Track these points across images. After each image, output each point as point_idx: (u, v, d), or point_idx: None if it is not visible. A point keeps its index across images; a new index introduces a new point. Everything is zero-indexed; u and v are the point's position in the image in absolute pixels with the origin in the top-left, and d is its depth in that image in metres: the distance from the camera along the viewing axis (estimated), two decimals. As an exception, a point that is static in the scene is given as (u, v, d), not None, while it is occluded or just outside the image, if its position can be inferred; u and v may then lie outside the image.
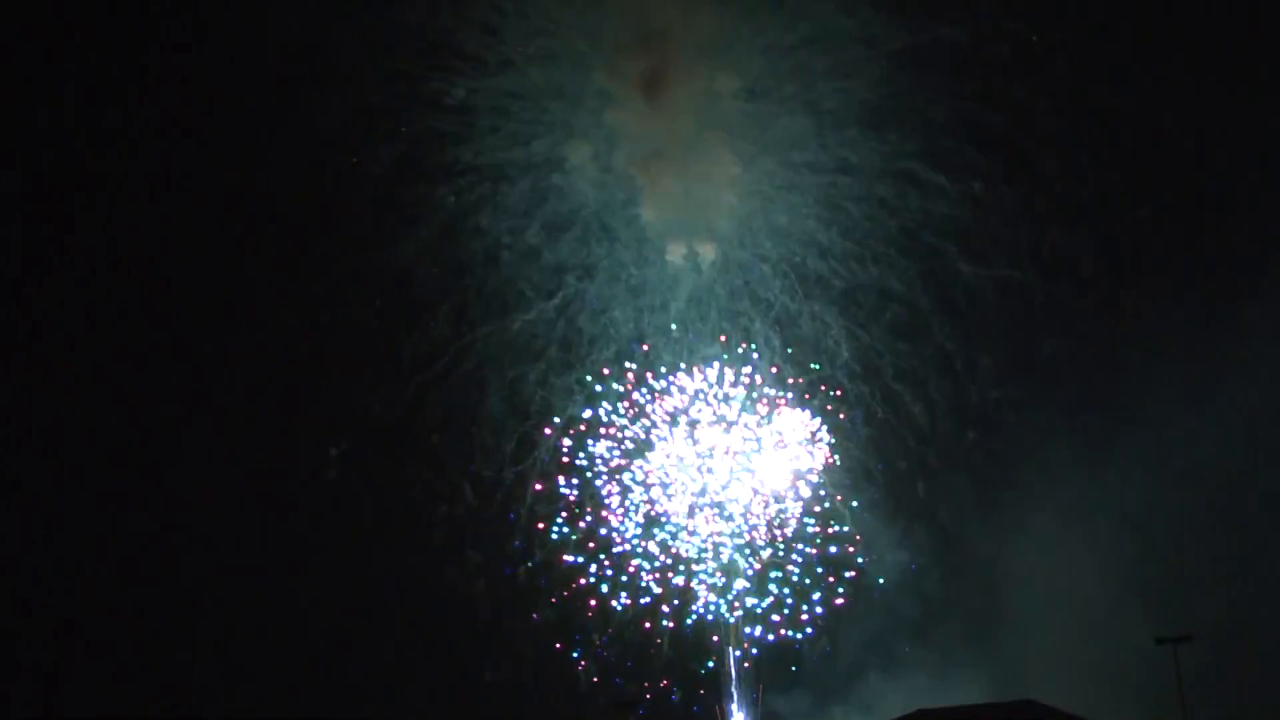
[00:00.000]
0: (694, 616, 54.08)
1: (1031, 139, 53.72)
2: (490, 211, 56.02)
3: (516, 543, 54.64)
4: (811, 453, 54.73)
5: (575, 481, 54.87)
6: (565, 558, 54.38)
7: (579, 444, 55.10)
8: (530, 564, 54.46)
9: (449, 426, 55.48)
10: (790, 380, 55.08)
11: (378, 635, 53.99)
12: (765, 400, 55.06)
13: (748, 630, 54.10)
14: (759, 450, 54.65)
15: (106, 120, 56.75)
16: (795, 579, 54.22)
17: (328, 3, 53.37)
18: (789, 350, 55.30)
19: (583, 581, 54.16)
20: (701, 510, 54.38)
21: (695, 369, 55.36)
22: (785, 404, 54.85)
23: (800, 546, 54.45)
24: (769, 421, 54.89)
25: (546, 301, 56.17)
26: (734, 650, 54.23)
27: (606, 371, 55.29)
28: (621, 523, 54.53)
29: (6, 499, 53.33)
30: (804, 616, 54.01)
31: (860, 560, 54.43)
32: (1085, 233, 54.17)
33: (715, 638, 54.36)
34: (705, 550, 54.26)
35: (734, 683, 54.25)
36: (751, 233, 56.02)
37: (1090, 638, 49.83)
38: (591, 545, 54.44)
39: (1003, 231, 53.98)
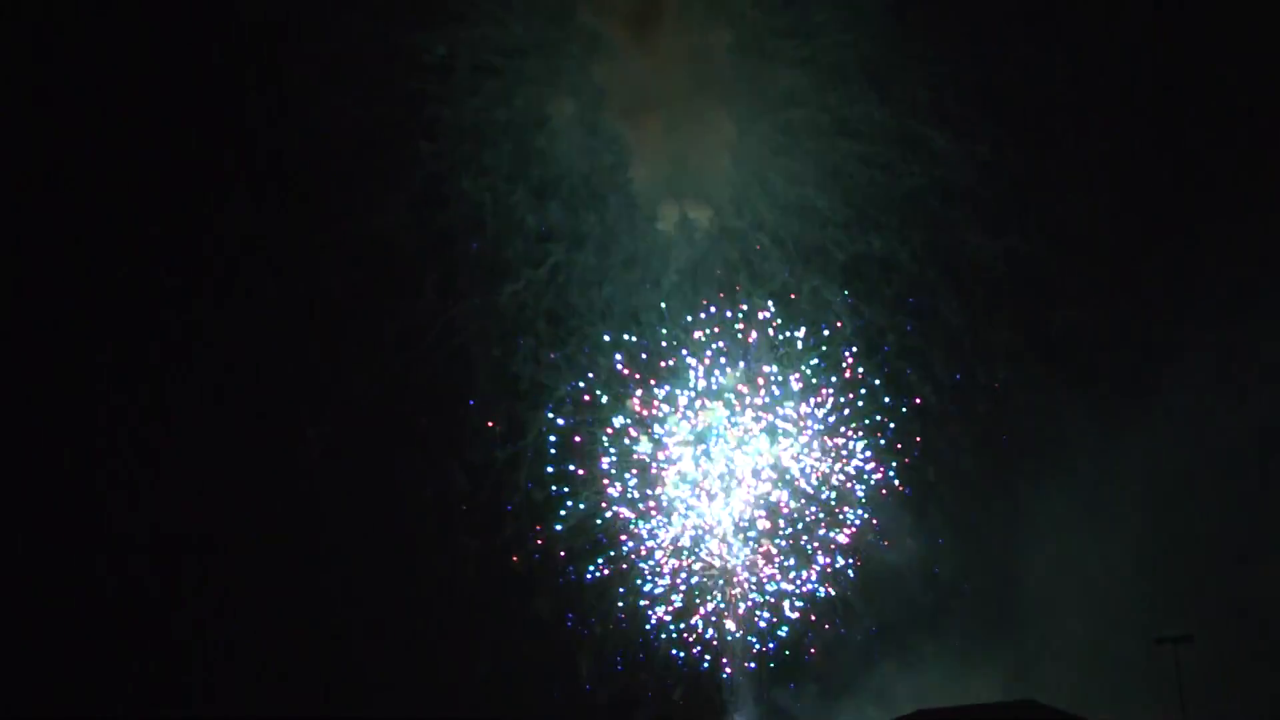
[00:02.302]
0: (697, 605, 52.47)
1: (1045, 98, 50.97)
2: (473, 175, 53.31)
3: (510, 530, 52.69)
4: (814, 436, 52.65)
5: (570, 466, 52.92)
6: (562, 545, 52.60)
7: (574, 425, 53.05)
8: (525, 552, 52.71)
9: (437, 406, 53.46)
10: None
11: (362, 628, 52.07)
12: (764, 380, 52.79)
13: (750, 617, 52.45)
14: (759, 432, 52.67)
15: (57, 80, 54.05)
16: (802, 567, 52.47)
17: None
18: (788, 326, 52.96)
19: (577, 570, 52.47)
20: (702, 495, 52.54)
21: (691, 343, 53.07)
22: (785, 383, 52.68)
23: (806, 533, 52.58)
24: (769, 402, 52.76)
25: (535, 270, 53.68)
26: (737, 641, 52.52)
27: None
28: (619, 507, 52.70)
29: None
30: (811, 606, 52.46)
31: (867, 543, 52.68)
32: (1102, 199, 51.43)
33: (717, 628, 52.62)
34: (707, 536, 52.47)
35: (737, 676, 52.50)
36: (748, 200, 53.26)
37: (1105, 633, 48.17)
38: (589, 531, 52.67)
39: (1013, 198, 51.37)
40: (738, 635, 52.38)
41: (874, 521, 52.52)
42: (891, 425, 52.60)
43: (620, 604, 52.19)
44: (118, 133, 53.21)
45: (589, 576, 52.39)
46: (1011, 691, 46.88)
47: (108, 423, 53.12)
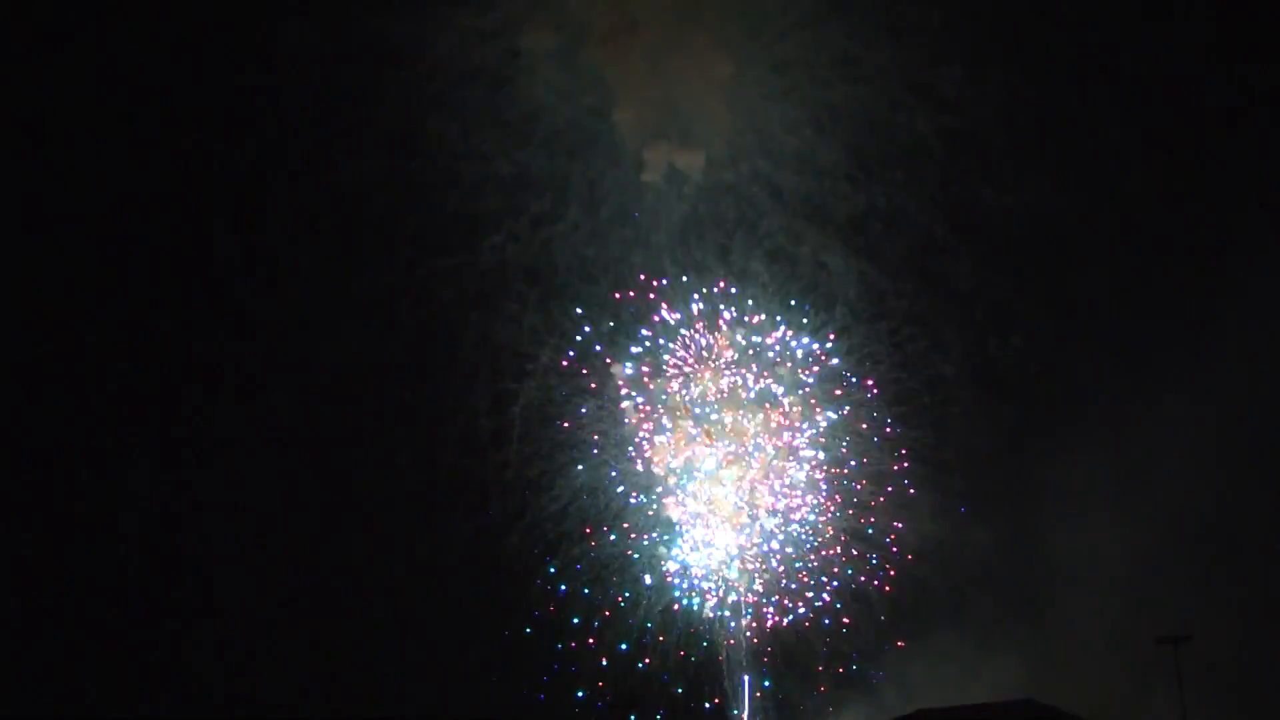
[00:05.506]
0: (699, 592, 50.09)
1: (1066, 30, 46.74)
2: (445, 122, 49.85)
3: (495, 512, 49.97)
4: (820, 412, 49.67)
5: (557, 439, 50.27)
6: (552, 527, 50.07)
7: (564, 398, 50.53)
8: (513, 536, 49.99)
9: (419, 376, 50.61)
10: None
11: (342, 619, 49.66)
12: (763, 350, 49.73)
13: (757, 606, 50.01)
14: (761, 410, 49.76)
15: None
16: (807, 553, 49.85)
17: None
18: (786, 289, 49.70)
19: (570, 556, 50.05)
20: (701, 476, 49.84)
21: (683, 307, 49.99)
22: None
23: (812, 518, 49.91)
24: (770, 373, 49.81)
25: (514, 221, 50.43)
26: (740, 629, 50.06)
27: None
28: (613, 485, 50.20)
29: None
30: (815, 593, 49.83)
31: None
32: (1130, 146, 47.39)
33: (721, 617, 50.27)
34: (707, 519, 49.89)
35: (741, 668, 50.20)
36: (742, 148, 49.52)
37: (1121, 630, 45.56)
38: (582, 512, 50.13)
39: (1032, 145, 47.55)
40: (742, 624, 50.04)
41: (883, 499, 49.86)
42: (901, 398, 49.77)
43: (617, 594, 49.98)
44: (74, 91, 50.42)
45: (582, 564, 50.08)
46: (1031, 687, 44.52)
47: (70, 400, 50.67)
